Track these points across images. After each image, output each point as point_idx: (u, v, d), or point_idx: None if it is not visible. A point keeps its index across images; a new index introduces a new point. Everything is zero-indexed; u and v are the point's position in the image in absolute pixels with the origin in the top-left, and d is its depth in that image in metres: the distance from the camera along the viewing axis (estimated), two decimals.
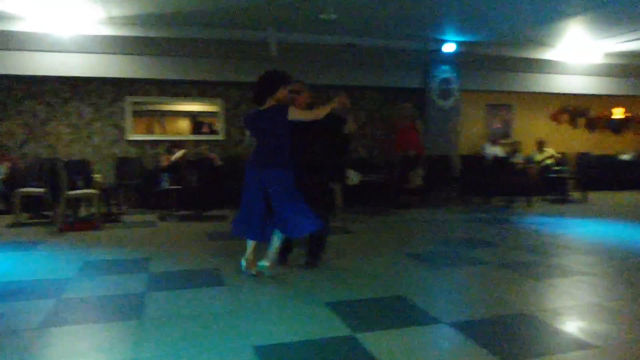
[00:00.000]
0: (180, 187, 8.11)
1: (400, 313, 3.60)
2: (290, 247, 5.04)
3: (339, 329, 3.27)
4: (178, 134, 9.99)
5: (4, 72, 8.72)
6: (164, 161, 8.52)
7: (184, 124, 10.21)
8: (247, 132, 4.83)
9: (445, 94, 10.47)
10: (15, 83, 9.14)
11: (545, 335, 3.18)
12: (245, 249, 4.67)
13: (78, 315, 3.67)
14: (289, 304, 3.81)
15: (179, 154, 8.46)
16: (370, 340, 3.05)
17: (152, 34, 8.51)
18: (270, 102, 4.39)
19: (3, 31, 8.03)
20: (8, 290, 4.21)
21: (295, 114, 4.30)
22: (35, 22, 7.99)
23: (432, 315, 3.53)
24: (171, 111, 10.08)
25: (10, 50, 8.54)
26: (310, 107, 4.68)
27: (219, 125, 10.08)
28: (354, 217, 8.13)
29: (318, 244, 4.93)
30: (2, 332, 3.28)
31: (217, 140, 10.04)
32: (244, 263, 4.63)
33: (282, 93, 4.41)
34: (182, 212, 8.42)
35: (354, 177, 8.90)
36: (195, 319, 3.48)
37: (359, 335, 3.12)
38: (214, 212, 8.61)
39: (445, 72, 10.43)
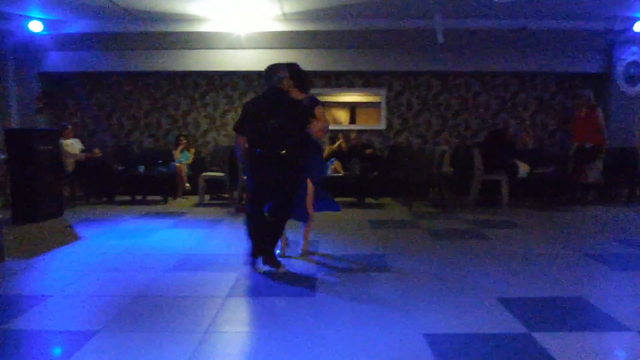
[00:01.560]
0: (341, 174, 8.45)
1: (580, 315, 3.33)
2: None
3: (513, 325, 3.12)
4: (337, 124, 10.33)
5: (191, 68, 9.75)
6: (327, 150, 8.89)
7: (343, 115, 10.50)
8: None
9: (634, 79, 9.33)
10: (200, 79, 10.18)
11: None
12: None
13: (258, 289, 4.00)
14: (457, 295, 3.74)
15: (335, 145, 8.86)
16: (548, 340, 2.87)
17: (320, 27, 8.84)
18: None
19: (191, 32, 8.95)
20: (197, 262, 4.73)
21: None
22: (218, 23, 8.78)
23: (617, 320, 3.21)
24: (332, 102, 10.42)
25: (196, 49, 9.51)
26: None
27: (380, 115, 10.16)
28: (523, 212, 7.66)
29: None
30: (195, 298, 3.71)
31: (379, 130, 10.14)
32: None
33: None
34: (343, 199, 8.71)
35: (522, 169, 8.40)
36: (365, 302, 3.59)
37: (536, 335, 2.95)
38: (373, 201, 8.76)
39: (634, 54, 9.28)
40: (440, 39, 8.23)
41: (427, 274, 4.33)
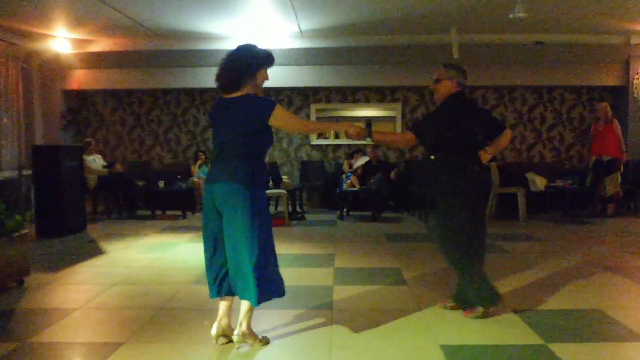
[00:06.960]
0: (357, 189, 8.48)
1: (598, 327, 3.34)
2: None
3: (530, 337, 3.15)
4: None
5: (210, 85, 9.78)
6: (346, 166, 8.97)
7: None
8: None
9: None
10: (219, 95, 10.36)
11: None
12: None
13: (277, 301, 4.05)
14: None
15: (361, 162, 8.77)
16: (566, 352, 2.89)
17: (337, 44, 9.00)
18: (244, 90, 3.11)
19: (211, 50, 9.13)
20: None
21: (281, 119, 3.09)
22: (238, 41, 8.93)
23: (637, 332, 3.21)
24: (350, 117, 10.53)
25: (215, 66, 9.60)
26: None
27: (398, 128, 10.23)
28: (540, 225, 7.64)
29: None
30: (215, 310, 3.77)
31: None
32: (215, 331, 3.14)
33: (262, 77, 3.15)
34: (359, 213, 8.77)
35: (538, 183, 8.39)
36: (382, 314, 3.63)
37: (553, 346, 2.97)
38: (390, 214, 8.80)
39: None
40: (456, 53, 8.31)
41: (443, 287, 4.35)
